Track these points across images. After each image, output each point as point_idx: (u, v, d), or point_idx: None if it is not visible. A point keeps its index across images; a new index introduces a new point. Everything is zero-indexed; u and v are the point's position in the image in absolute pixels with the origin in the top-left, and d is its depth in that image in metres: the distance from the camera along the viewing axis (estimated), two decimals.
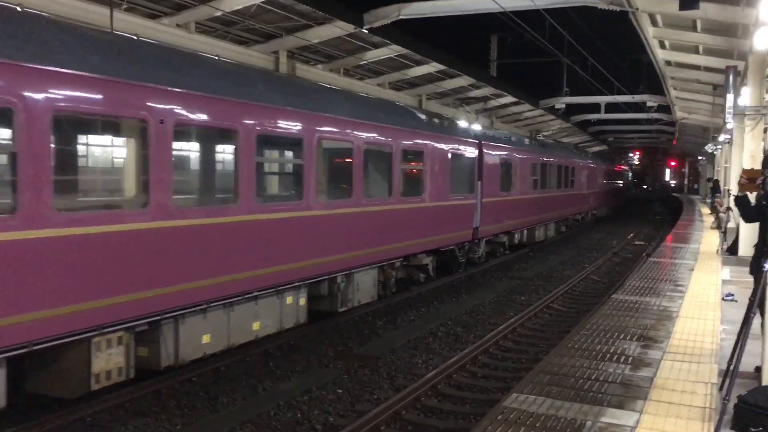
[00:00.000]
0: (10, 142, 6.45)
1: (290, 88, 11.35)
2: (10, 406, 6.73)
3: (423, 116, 16.18)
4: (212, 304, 8.85)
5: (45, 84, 6.63)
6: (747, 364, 6.25)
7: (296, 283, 10.59)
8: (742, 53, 17.32)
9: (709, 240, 20.04)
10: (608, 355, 7.50)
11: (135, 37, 9.31)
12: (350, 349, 11.04)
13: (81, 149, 9.28)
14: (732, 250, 16.92)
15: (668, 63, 21.79)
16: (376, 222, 12.81)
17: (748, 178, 7.75)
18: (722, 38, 16.89)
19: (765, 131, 17.41)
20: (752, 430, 5.26)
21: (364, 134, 12.41)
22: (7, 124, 6.40)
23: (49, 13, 9.58)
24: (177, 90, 8.21)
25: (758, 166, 14.76)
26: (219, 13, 14.24)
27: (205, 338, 8.88)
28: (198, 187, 9.77)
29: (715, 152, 34.72)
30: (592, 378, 6.66)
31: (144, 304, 7.80)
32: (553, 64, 35.98)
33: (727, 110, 17.50)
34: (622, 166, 61.94)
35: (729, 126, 19.47)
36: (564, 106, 35.97)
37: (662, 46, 19.44)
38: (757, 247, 7.53)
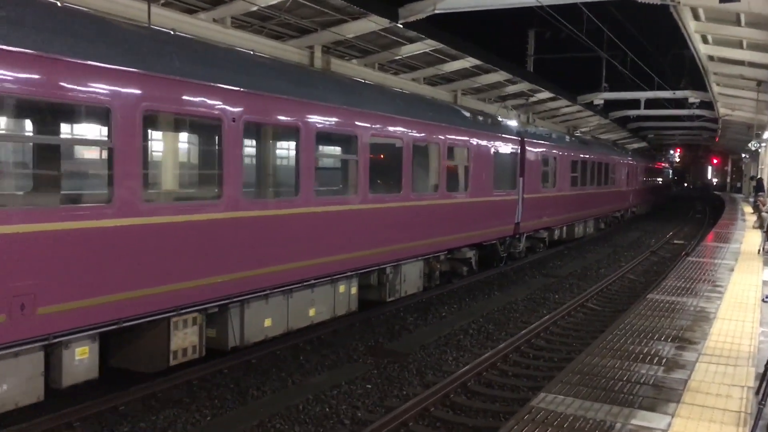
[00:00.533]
0: (107, 139, 7.13)
1: (345, 87, 11.80)
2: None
3: (467, 114, 16.65)
4: (274, 291, 9.46)
5: (137, 85, 7.28)
6: None
7: (348, 273, 11.17)
8: None
9: (751, 240, 19.54)
10: (641, 356, 7.34)
11: (210, 42, 10.08)
12: (380, 345, 11.03)
13: (165, 145, 9.90)
14: None
15: (711, 58, 21.27)
16: (423, 216, 13.30)
17: None
18: (767, 33, 16.41)
19: None
20: None
21: (413, 131, 12.92)
22: (106, 122, 7.10)
23: (87, 8, 9.74)
24: (246, 90, 8.77)
25: None
26: (255, 8, 14.31)
27: (267, 322, 9.56)
28: (263, 180, 10.21)
29: (759, 150, 33.87)
30: (624, 379, 6.52)
31: (215, 289, 8.44)
32: (591, 60, 35.44)
33: None
34: (663, 164, 60.84)
35: None
36: (602, 102, 35.36)
37: (705, 40, 18.98)
38: None
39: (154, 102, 7.55)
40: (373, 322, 12.30)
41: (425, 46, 19.37)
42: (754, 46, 18.52)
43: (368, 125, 11.38)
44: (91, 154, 7.76)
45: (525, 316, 13.40)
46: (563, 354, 10.81)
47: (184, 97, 7.92)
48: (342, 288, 11.12)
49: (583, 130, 42.14)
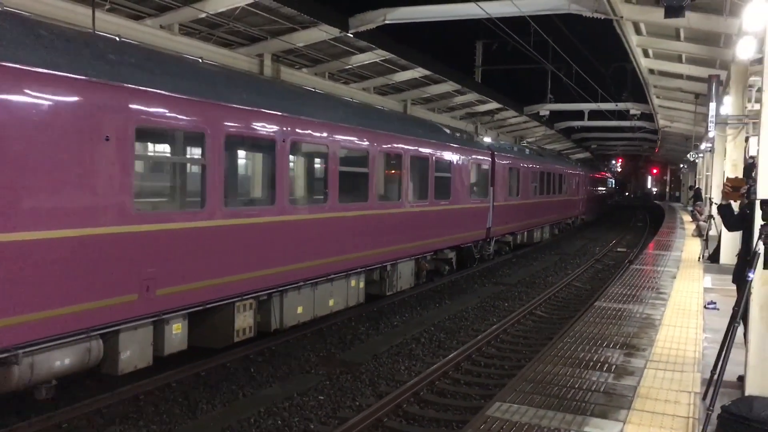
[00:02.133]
0: (202, 158, 8.84)
1: (360, 111, 13.99)
2: None
3: (448, 131, 18.67)
4: (305, 283, 11.04)
5: (223, 116, 9.09)
6: (730, 373, 6.22)
7: (358, 270, 12.80)
8: (724, 62, 17.48)
9: (691, 248, 20.16)
10: (591, 363, 7.47)
11: (269, 77, 12.40)
12: (332, 355, 10.94)
13: (237, 161, 11.45)
14: (713, 258, 17.02)
15: (651, 71, 21.96)
16: (415, 221, 15.13)
17: (732, 187, 7.74)
18: (705, 47, 17.03)
19: (746, 140, 17.55)
20: None
21: (410, 147, 14.77)
22: (201, 144, 8.82)
23: (31, 13, 9.45)
24: (293, 116, 10.56)
25: (740, 175, 14.89)
26: (203, 15, 14.14)
27: (300, 309, 11.08)
28: (302, 189, 12.15)
29: (696, 160, 35.03)
30: (576, 386, 6.62)
31: (265, 280, 10.01)
32: (537, 71, 36.13)
33: (709, 119, 17.66)
34: (606, 174, 62.39)
35: (711, 135, 19.63)
36: (548, 112, 36.12)
37: (646, 54, 19.58)
38: (740, 256, 7.56)
39: (231, 127, 9.25)
40: (324, 332, 12.21)
41: (375, 56, 19.46)
42: (693, 60, 19.20)
43: (377, 143, 13.26)
44: (193, 169, 9.28)
45: (476, 324, 13.49)
46: (514, 362, 10.92)
47: (251, 123, 9.71)
48: (353, 282, 12.74)
49: (529, 140, 42.88)
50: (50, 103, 6.73)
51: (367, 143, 12.88)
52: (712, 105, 17.45)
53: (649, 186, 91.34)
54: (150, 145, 9.92)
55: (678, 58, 19.51)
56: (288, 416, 8.22)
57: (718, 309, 10.87)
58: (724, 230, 16.34)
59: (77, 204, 7.07)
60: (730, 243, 16.17)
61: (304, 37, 16.66)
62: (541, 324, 13.89)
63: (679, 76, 21.94)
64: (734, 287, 7.85)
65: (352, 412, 8.38)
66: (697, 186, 34.59)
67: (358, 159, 12.86)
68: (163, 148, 10.28)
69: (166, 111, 8.20)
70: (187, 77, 8.82)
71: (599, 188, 52.76)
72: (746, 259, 6.85)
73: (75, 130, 6.97)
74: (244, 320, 9.74)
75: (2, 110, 6.26)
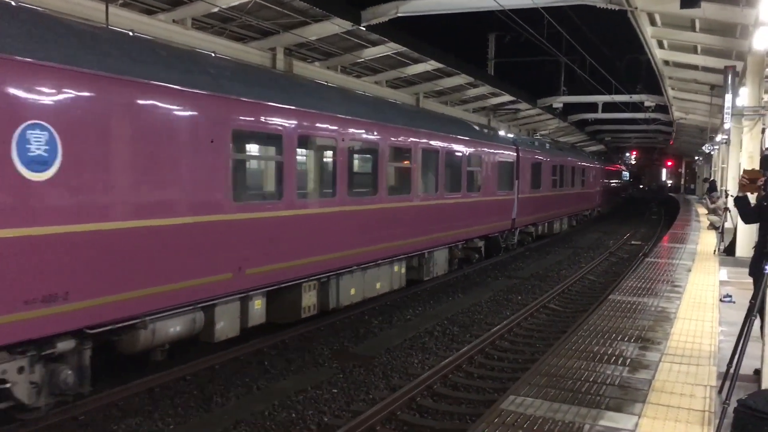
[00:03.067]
0: (280, 156, 10.12)
1: (405, 112, 15.31)
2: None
3: (477, 128, 19.93)
4: (356, 268, 12.25)
5: (297, 120, 10.33)
6: (746, 366, 6.18)
7: (401, 256, 14.05)
8: (740, 53, 17.28)
9: (706, 240, 20.01)
10: (606, 357, 7.43)
11: (324, 83, 13.96)
12: (346, 348, 10.97)
13: (306, 159, 12.51)
14: (729, 251, 16.88)
15: (666, 63, 21.75)
16: (450, 212, 16.23)
17: (749, 179, 7.65)
18: (721, 38, 16.84)
19: (763, 132, 17.36)
20: None
21: (446, 144, 15.94)
22: (279, 145, 10.11)
23: (45, 8, 9.50)
24: (351, 118, 11.80)
25: (756, 167, 14.74)
26: (216, 9, 14.15)
27: (352, 291, 12.33)
28: (356, 183, 12.68)
29: (712, 153, 34.71)
30: (590, 380, 6.58)
31: (325, 264, 11.18)
32: (550, 63, 35.94)
33: (725, 110, 17.47)
34: (621, 166, 62.07)
35: (726, 126, 19.42)
36: (561, 105, 35.94)
37: (660, 45, 19.40)
38: (756, 248, 7.48)
39: (302, 129, 10.46)
40: (337, 325, 12.23)
41: (388, 49, 19.41)
42: (708, 51, 18.99)
43: (420, 139, 14.52)
44: (273, 165, 10.71)
45: (489, 318, 13.47)
46: (527, 355, 10.89)
47: (318, 125, 10.92)
48: (396, 268, 14.01)
49: (542, 132, 42.69)
50: (178, 112, 8.20)
51: (410, 141, 14.10)
52: (728, 96, 17.25)
53: (663, 178, 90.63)
54: (242, 146, 10.67)
55: (693, 49, 19.31)
56: (302, 409, 8.25)
57: (734, 302, 10.79)
58: (740, 223, 16.19)
59: (192, 196, 8.39)
60: (746, 235, 16.04)
61: (316, 31, 16.65)
62: (554, 317, 13.84)
63: (695, 68, 21.72)
64: (750, 280, 7.76)
65: (366, 405, 8.40)
66: (712, 178, 34.26)
67: (403, 155, 14.14)
68: (251, 149, 11.47)
69: (254, 117, 9.49)
70: (267, 86, 10.14)
71: (614, 181, 53.37)
72: (763, 251, 6.79)
73: (192, 135, 8.39)
74: (309, 299, 11.14)
75: (147, 116, 7.71)
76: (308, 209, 10.83)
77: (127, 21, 12.46)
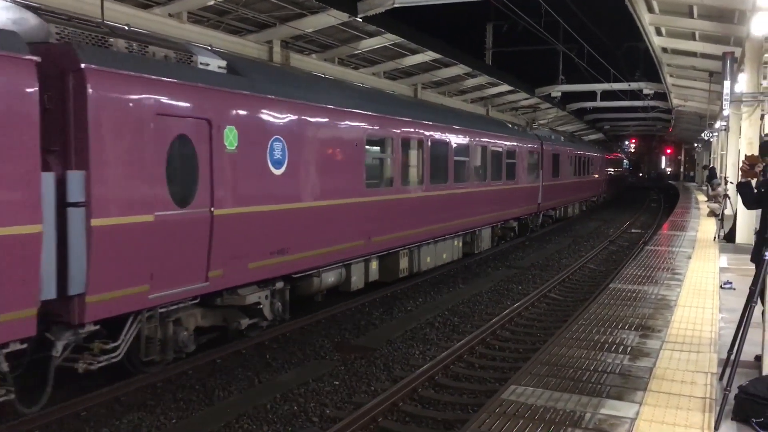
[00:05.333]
0: (391, 154, 13.56)
1: (464, 116, 19.64)
2: None
3: (511, 126, 24.20)
4: (431, 241, 15.43)
5: (400, 127, 13.80)
6: (747, 353, 6.16)
7: (460, 233, 17.16)
8: (738, 39, 17.22)
9: (706, 227, 20.01)
10: (606, 345, 7.44)
11: (419, 99, 19.67)
12: (347, 341, 10.98)
13: (405, 155, 14.55)
14: (729, 237, 16.88)
15: (664, 50, 21.69)
16: (494, 196, 19.46)
17: (750, 165, 7.62)
18: (719, 24, 16.77)
19: (762, 118, 17.32)
20: (754, 420, 5.20)
21: (492, 140, 19.25)
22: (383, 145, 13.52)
23: (41, 5, 9.45)
24: (433, 123, 15.33)
25: (756, 153, 14.69)
26: (211, 2, 14.09)
27: (428, 259, 15.39)
28: (434, 173, 15.30)
29: (711, 140, 34.67)
30: (591, 369, 6.59)
31: (414, 236, 14.36)
32: (548, 52, 35.80)
33: (724, 97, 17.40)
34: (621, 155, 62.15)
35: (725, 113, 19.39)
36: (560, 94, 35.84)
37: (658, 32, 19.33)
38: (758, 234, 7.45)
39: (404, 133, 13.85)
40: (338, 318, 12.25)
41: (385, 40, 19.34)
42: (706, 38, 18.92)
43: (474, 139, 17.68)
44: (387, 160, 13.68)
45: (490, 308, 13.48)
46: (528, 345, 10.90)
47: (411, 130, 14.23)
48: (456, 242, 17.06)
49: (541, 122, 42.60)
50: (343, 124, 11.71)
51: (468, 139, 17.24)
52: (727, 83, 17.19)
53: (662, 166, 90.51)
54: (370, 147, 12.99)
55: (691, 36, 19.24)
56: (304, 402, 8.26)
57: (734, 288, 10.78)
58: (740, 209, 16.19)
59: (346, 184, 11.69)
60: (745, 222, 16.03)
61: (312, 23, 16.58)
62: (555, 307, 13.85)
63: (693, 54, 21.65)
64: (750, 266, 7.75)
65: (368, 396, 8.41)
66: (711, 165, 34.23)
67: (464, 150, 17.00)
68: (374, 149, 13.51)
69: (378, 126, 12.82)
70: (384, 103, 13.67)
71: (617, 169, 55.54)
72: (764, 237, 6.77)
73: (350, 141, 11.88)
74: (404, 263, 14.26)
75: (328, 129, 11.22)
76: (408, 194, 14.10)
77: (122, 15, 12.41)
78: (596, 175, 39.29)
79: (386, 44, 19.80)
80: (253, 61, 13.53)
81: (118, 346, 7.64)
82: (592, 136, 59.45)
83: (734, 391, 5.38)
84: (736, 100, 17.10)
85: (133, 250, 7.52)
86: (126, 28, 9.10)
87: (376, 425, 7.62)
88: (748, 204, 7.80)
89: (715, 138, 32.08)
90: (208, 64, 8.97)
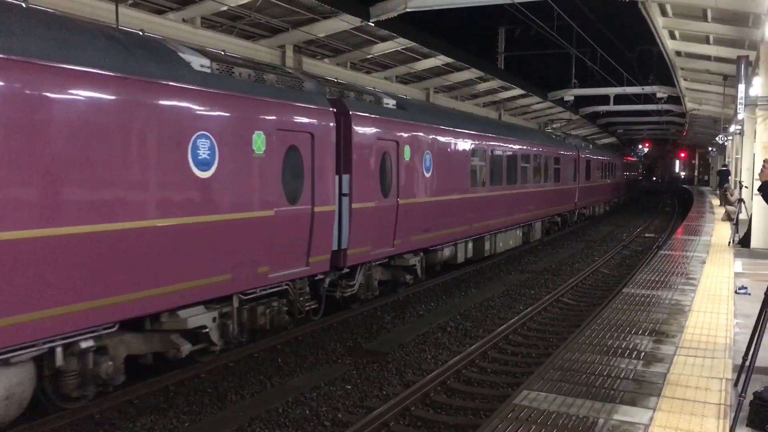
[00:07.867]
0: (484, 161, 17.59)
1: (522, 130, 24.50)
2: None
3: (555, 137, 29.07)
4: (502, 231, 19.30)
5: (485, 140, 18.02)
6: (762, 359, 6.09)
7: (520, 225, 21.09)
8: (753, 43, 17.08)
9: (721, 232, 19.85)
10: (620, 351, 7.39)
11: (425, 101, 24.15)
12: (358, 345, 10.98)
13: (493, 161, 18.48)
14: (744, 242, 16.73)
15: (678, 53, 21.56)
16: (545, 196, 23.77)
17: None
18: (733, 28, 16.65)
19: None
20: None
21: (543, 148, 23.53)
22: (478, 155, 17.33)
23: (56, 10, 9.54)
24: (500, 136, 19.03)
25: None
26: (225, 8, 14.17)
27: (501, 243, 19.30)
28: (509, 176, 19.50)
29: (725, 143, 34.38)
30: (604, 374, 6.55)
31: (494, 226, 18.30)
32: (561, 56, 35.67)
33: (738, 101, 17.28)
34: (635, 159, 62.02)
35: (740, 117, 19.24)
36: (573, 98, 35.71)
37: (672, 36, 19.22)
38: None
39: (487, 145, 17.82)
40: (350, 322, 12.25)
41: (397, 44, 19.37)
42: (720, 41, 18.79)
43: (532, 148, 21.95)
44: (480, 165, 17.44)
45: (502, 312, 13.44)
46: (541, 349, 10.86)
47: (486, 142, 17.88)
48: (518, 232, 21.20)
49: (554, 126, 42.46)
50: (460, 141, 16.06)
51: (528, 149, 21.34)
52: (741, 86, 17.07)
53: (676, 170, 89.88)
54: (472, 156, 16.83)
55: (705, 39, 19.12)
56: (316, 405, 8.27)
57: (749, 294, 10.67)
58: (755, 214, 16.05)
59: (460, 183, 16.09)
60: (760, 227, 15.89)
61: (325, 28, 16.64)
62: (568, 311, 13.79)
63: (707, 58, 21.50)
64: (766, 272, 7.68)
65: (379, 401, 8.42)
66: (724, 167, 33.86)
67: (526, 158, 21.10)
68: (474, 158, 16.90)
69: (478, 141, 17.03)
70: (479, 123, 18.02)
71: (634, 172, 58.59)
72: None
73: (463, 152, 16.19)
74: (488, 246, 18.18)
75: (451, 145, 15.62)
76: (493, 192, 17.93)
77: (137, 21, 12.50)
78: (619, 179, 43.89)
79: (398, 48, 19.83)
80: (408, 99, 17.06)
81: (353, 285, 12.19)
82: (606, 140, 59.16)
83: (749, 397, 5.33)
84: (751, 104, 16.97)
85: (365, 224, 11.89)
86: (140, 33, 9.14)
87: (388, 429, 7.62)
88: None
89: (730, 142, 31.83)
90: (388, 104, 13.28)
